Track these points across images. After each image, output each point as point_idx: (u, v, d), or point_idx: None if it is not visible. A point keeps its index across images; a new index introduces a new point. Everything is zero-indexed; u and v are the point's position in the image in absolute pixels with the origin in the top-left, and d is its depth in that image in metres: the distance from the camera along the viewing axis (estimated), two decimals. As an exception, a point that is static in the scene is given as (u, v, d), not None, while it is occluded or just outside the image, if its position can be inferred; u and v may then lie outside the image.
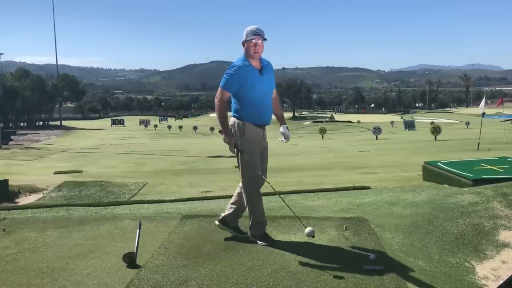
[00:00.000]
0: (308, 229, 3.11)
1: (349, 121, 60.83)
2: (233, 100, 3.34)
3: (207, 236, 3.58)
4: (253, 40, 3.16)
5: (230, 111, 3.41)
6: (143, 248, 3.21)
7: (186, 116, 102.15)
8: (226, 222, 3.50)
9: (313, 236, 3.14)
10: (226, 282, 2.69)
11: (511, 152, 11.02)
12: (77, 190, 8.45)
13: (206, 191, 8.07)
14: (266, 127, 3.44)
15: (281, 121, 3.48)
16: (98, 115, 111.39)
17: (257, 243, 3.35)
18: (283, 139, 3.41)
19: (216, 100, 3.25)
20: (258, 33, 3.15)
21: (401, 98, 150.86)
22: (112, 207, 6.13)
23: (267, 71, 3.33)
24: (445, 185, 6.71)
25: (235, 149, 3.25)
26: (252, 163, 3.27)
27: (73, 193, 8.18)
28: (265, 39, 3.19)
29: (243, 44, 3.24)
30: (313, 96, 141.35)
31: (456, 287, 2.78)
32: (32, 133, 41.43)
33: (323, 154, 15.93)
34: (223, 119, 3.22)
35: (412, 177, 8.51)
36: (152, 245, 3.37)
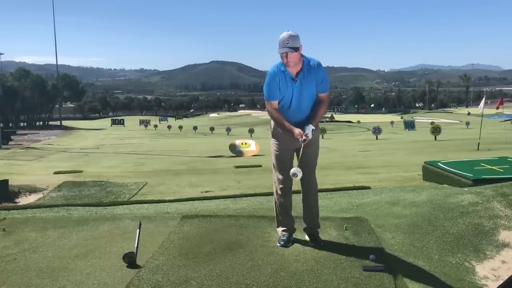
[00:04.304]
0: (293, 169, 3.04)
1: (349, 121, 60.80)
2: None
3: (207, 236, 3.58)
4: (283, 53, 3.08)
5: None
6: (143, 248, 3.20)
7: (186, 116, 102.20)
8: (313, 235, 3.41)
9: (295, 175, 3.03)
10: (226, 282, 2.69)
11: (511, 152, 11.02)
12: (77, 190, 8.44)
13: (206, 191, 8.06)
14: None
15: (310, 120, 3.24)
16: (98, 115, 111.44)
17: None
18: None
19: (269, 114, 3.26)
20: (287, 45, 3.02)
21: (401, 98, 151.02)
22: (112, 207, 6.13)
23: (307, 74, 3.16)
24: (445, 185, 6.71)
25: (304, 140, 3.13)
26: (276, 166, 3.35)
27: (73, 193, 8.17)
28: (296, 49, 3.03)
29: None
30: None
31: (456, 287, 2.78)
32: (32, 133, 41.45)
33: (323, 154, 15.88)
34: (280, 121, 3.18)
35: (412, 177, 8.50)
36: (152, 245, 3.37)
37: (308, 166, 3.32)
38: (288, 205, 3.42)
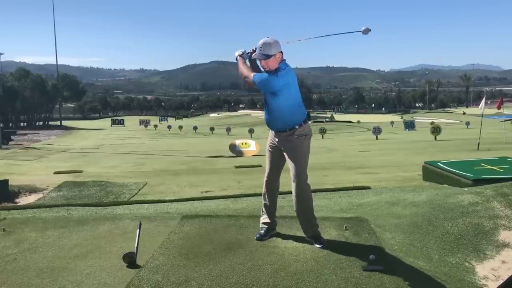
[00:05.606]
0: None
1: (349, 121, 60.79)
2: None
3: (207, 236, 3.58)
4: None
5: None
6: (143, 248, 3.20)
7: (186, 116, 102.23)
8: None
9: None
10: (226, 282, 2.69)
11: (511, 152, 11.02)
12: (77, 190, 8.44)
13: (206, 191, 8.07)
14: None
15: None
16: (98, 115, 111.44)
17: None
18: None
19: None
20: (260, 52, 3.18)
21: (401, 98, 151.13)
22: (112, 207, 6.13)
23: None
24: (445, 185, 6.72)
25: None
26: (266, 163, 3.51)
27: (73, 193, 8.18)
28: (268, 56, 3.15)
29: None
30: (313, 96, 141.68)
31: (456, 287, 2.78)
32: (32, 133, 41.45)
33: (323, 154, 15.93)
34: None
35: (412, 177, 8.51)
36: (152, 245, 3.37)
37: (290, 168, 3.34)
38: (271, 202, 3.52)
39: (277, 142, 3.39)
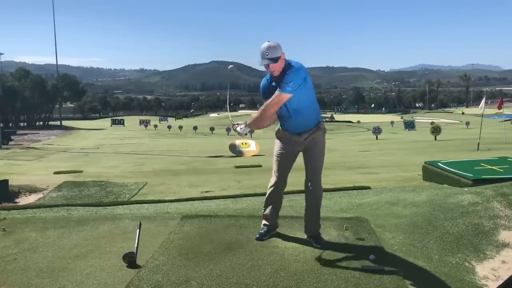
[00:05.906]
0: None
1: (349, 121, 60.84)
2: None
3: (207, 236, 3.58)
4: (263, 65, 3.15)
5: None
6: (143, 248, 3.20)
7: (186, 116, 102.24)
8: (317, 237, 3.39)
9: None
10: (226, 282, 2.69)
11: (511, 152, 11.02)
12: (77, 190, 8.44)
13: (206, 191, 8.07)
14: None
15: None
16: (98, 115, 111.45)
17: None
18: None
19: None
20: (267, 57, 3.07)
21: (401, 98, 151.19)
22: (112, 207, 6.13)
23: (282, 78, 3.12)
24: (445, 185, 6.72)
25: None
26: (274, 167, 3.43)
27: (73, 193, 8.17)
28: (276, 59, 3.06)
29: None
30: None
31: (456, 287, 2.78)
32: (32, 133, 41.44)
33: (323, 154, 15.89)
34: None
35: (412, 177, 8.51)
36: (152, 245, 3.37)
37: (311, 167, 3.33)
38: (275, 204, 3.49)
39: (296, 143, 3.31)
